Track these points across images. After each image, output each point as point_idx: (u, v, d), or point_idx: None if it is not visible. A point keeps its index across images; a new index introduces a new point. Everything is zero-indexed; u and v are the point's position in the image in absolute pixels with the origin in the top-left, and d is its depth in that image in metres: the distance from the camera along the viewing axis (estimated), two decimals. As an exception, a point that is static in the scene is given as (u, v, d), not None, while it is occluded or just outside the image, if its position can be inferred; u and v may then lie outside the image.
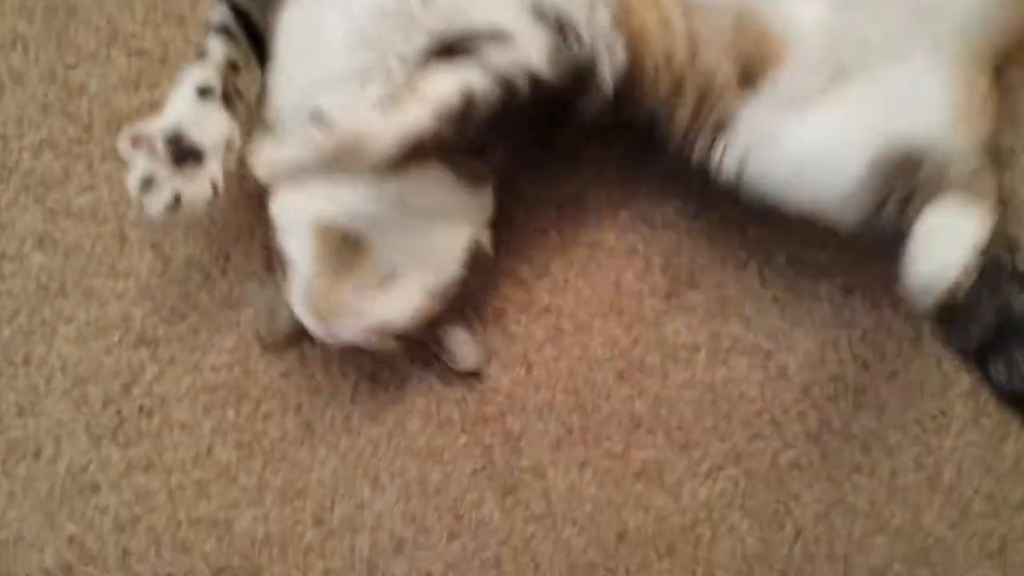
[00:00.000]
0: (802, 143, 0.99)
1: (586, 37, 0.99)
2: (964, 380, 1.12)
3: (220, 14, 1.05)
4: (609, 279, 1.16)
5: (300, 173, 0.94)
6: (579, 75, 0.99)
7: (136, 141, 0.96)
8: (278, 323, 1.11)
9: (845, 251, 1.15)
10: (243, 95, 1.02)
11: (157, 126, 0.97)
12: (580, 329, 1.15)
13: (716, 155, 1.02)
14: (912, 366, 1.13)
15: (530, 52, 0.96)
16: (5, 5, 1.22)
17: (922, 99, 0.97)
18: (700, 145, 1.03)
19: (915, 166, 0.95)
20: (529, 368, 1.14)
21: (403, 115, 0.92)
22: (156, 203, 0.95)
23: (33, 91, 1.20)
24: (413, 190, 0.99)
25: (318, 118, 0.93)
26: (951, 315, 0.88)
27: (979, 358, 0.89)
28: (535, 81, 0.96)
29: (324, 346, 1.11)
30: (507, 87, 0.95)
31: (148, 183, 0.95)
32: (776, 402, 1.13)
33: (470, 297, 1.09)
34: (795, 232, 1.14)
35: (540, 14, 0.98)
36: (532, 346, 1.14)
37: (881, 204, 0.95)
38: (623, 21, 1.01)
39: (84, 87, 1.20)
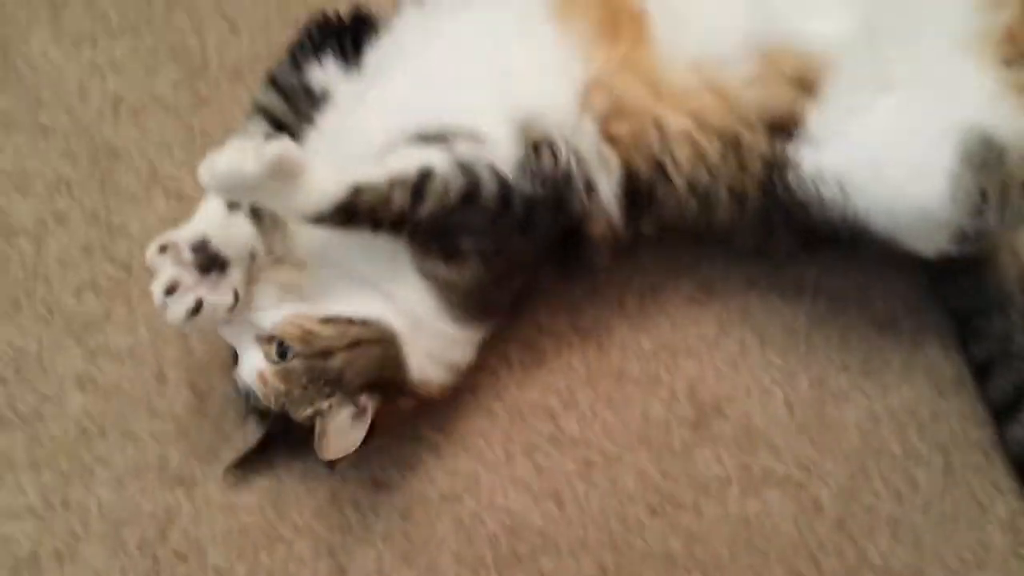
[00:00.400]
0: (880, 146, 1.02)
1: (563, 155, 1.04)
2: (1000, 508, 1.11)
3: (254, 124, 1.12)
4: (636, 409, 1.17)
5: (237, 183, 0.93)
6: (554, 187, 1.04)
7: (163, 248, 1.00)
8: None
9: (867, 374, 1.16)
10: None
11: (184, 235, 1.01)
12: (610, 462, 1.15)
13: (800, 186, 1.04)
14: (946, 496, 1.12)
15: (497, 154, 1.02)
16: (51, 149, 1.28)
17: (966, 82, 1.01)
18: (779, 187, 1.06)
19: (998, 154, 0.98)
20: (561, 503, 1.14)
21: (356, 169, 0.97)
22: (178, 308, 0.98)
23: (77, 233, 1.25)
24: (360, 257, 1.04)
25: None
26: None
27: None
28: (502, 183, 1.01)
29: (358, 487, 1.13)
30: (470, 177, 1.00)
31: (172, 289, 0.98)
32: (812, 536, 1.12)
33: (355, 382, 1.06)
34: (819, 353, 1.16)
35: (518, 128, 1.03)
36: (563, 480, 1.15)
37: (980, 203, 0.97)
38: (614, 135, 1.06)
39: (125, 228, 1.25)
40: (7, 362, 1.21)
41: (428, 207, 0.98)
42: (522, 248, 1.06)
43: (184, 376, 1.20)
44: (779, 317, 1.19)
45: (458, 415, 1.17)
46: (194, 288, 0.99)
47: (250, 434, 1.11)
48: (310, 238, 1.07)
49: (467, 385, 1.17)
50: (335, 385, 1.02)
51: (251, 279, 1.04)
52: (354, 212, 0.96)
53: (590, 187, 1.06)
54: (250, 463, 1.14)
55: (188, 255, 1.00)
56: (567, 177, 1.04)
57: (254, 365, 1.03)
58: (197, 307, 0.98)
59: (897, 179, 1.00)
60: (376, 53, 1.12)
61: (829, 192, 1.02)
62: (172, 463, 1.17)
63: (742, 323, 1.19)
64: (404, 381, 1.07)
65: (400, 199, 0.97)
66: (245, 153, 0.91)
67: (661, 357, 1.18)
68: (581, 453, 1.16)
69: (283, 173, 0.92)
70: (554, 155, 1.03)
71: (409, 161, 0.99)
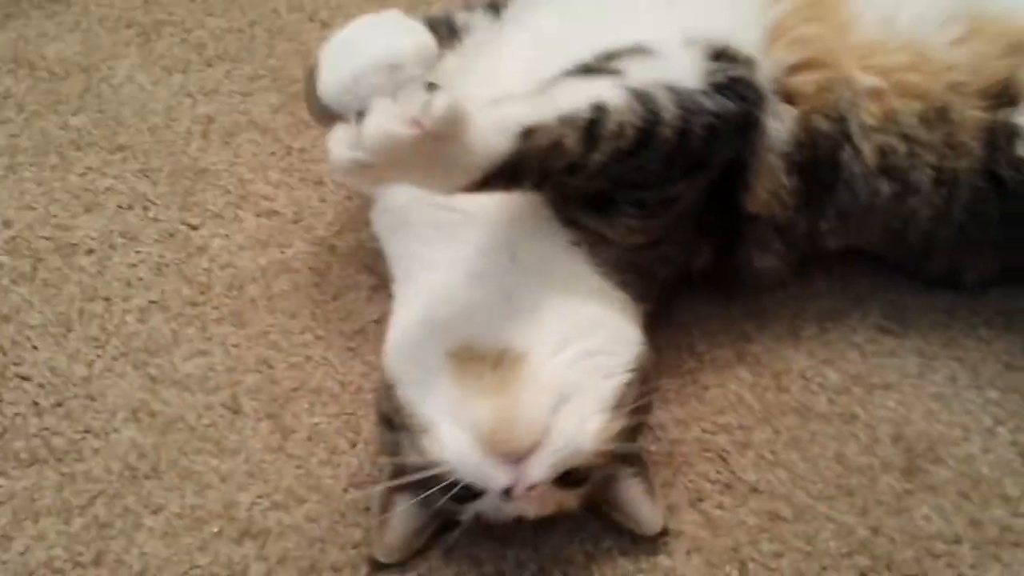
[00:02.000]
0: None
1: (744, 55, 0.88)
2: None
3: None
4: (828, 452, 0.94)
5: (389, 152, 0.68)
6: (742, 98, 0.86)
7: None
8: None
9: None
10: None
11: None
12: (802, 515, 0.90)
13: None
14: None
15: (675, 71, 0.85)
16: (127, 169, 1.13)
17: None
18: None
19: None
20: (744, 568, 0.88)
21: (521, 106, 0.76)
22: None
23: (148, 252, 1.07)
24: (529, 247, 0.85)
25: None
26: None
27: None
28: (683, 107, 0.82)
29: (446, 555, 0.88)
30: (648, 109, 0.81)
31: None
32: (1083, 607, 0.85)
33: (638, 440, 0.88)
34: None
35: (695, 43, 0.87)
36: (743, 538, 0.89)
37: None
38: (794, 88, 0.91)
39: (206, 248, 1.07)
40: (48, 390, 0.98)
41: (602, 153, 0.80)
42: (685, 197, 0.88)
43: (263, 408, 0.97)
44: (991, 349, 0.99)
45: (606, 457, 0.94)
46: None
47: (416, 523, 0.87)
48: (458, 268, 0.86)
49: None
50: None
51: None
52: (522, 165, 0.75)
53: (760, 128, 0.89)
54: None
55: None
56: (751, 86, 0.87)
57: (547, 506, 0.81)
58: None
59: None
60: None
61: None
62: (240, 510, 0.91)
63: (948, 355, 0.99)
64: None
65: (572, 143, 0.77)
66: (395, 112, 0.67)
67: (854, 391, 0.97)
68: (764, 504, 0.91)
69: (448, 133, 0.69)
70: (737, 60, 0.87)
71: (578, 96, 0.80)
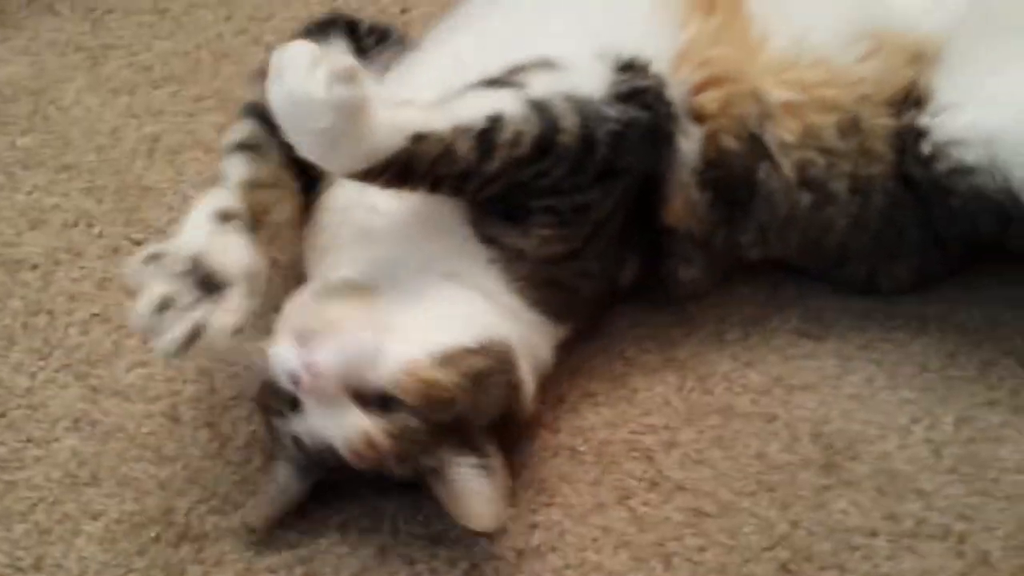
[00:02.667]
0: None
1: (653, 73, 0.93)
2: None
3: (240, 131, 0.95)
4: (750, 450, 0.97)
5: (299, 111, 0.76)
6: (643, 106, 0.91)
7: (152, 258, 0.79)
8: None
9: (1018, 411, 0.98)
10: (271, 214, 0.90)
11: (174, 246, 0.81)
12: (726, 511, 0.93)
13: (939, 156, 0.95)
14: None
15: (577, 81, 0.89)
16: (73, 187, 1.15)
17: None
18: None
19: None
20: (668, 561, 0.90)
21: (418, 112, 0.81)
22: (172, 333, 0.77)
23: (91, 267, 1.09)
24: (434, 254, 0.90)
25: None
26: None
27: None
28: (584, 116, 0.87)
29: (412, 543, 0.91)
30: (545, 119, 0.85)
31: (163, 307, 0.77)
32: (989, 598, 0.89)
33: (485, 426, 0.89)
34: (960, 389, 0.99)
35: (601, 54, 0.92)
36: (669, 533, 0.92)
37: None
38: (702, 108, 0.95)
39: (148, 262, 1.10)
40: (-9, 402, 1.01)
41: (497, 161, 0.84)
42: (599, 205, 0.91)
43: (203, 416, 0.99)
44: (906, 351, 1.03)
45: (536, 457, 0.97)
46: (191, 308, 0.78)
47: (284, 486, 0.91)
48: (364, 249, 0.92)
49: (545, 422, 0.98)
50: (455, 435, 0.85)
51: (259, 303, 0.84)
52: (410, 167, 0.80)
53: (670, 143, 0.93)
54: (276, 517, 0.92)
55: (181, 268, 0.79)
56: (658, 97, 0.92)
57: (355, 425, 0.82)
58: (195, 333, 0.77)
59: None
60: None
61: (975, 156, 0.91)
62: (179, 515, 0.93)
63: (865, 357, 1.02)
64: (521, 408, 0.90)
65: (465, 151, 0.82)
66: (317, 72, 0.74)
67: (775, 392, 1.00)
68: (689, 501, 0.94)
69: (349, 108, 0.75)
70: (644, 72, 0.92)
71: (476, 107, 0.84)
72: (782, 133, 0.96)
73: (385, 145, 0.79)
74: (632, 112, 0.90)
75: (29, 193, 1.15)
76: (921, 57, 0.97)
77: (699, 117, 0.95)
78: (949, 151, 0.93)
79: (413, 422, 0.83)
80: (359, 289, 0.88)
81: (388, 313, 0.86)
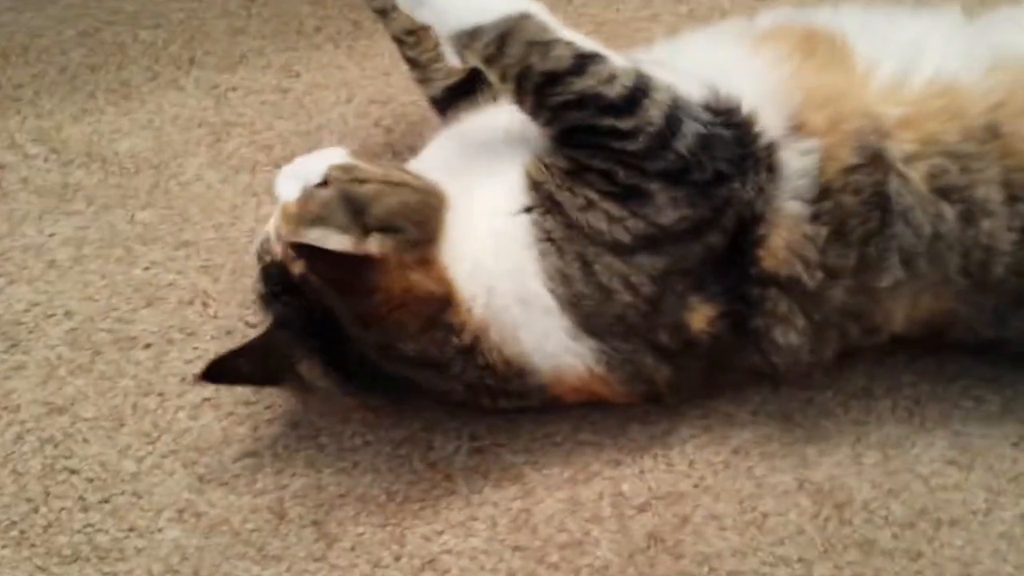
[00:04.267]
0: None
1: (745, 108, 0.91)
2: None
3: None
4: (895, 592, 0.89)
5: None
6: (732, 126, 0.89)
7: None
8: None
9: None
10: None
11: None
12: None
13: None
14: None
15: (684, 86, 0.91)
16: (190, 265, 1.14)
17: None
18: None
19: None
20: None
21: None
22: None
23: (205, 348, 1.07)
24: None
25: None
26: None
27: None
28: (673, 103, 0.88)
29: None
30: (640, 83, 0.88)
31: None
32: None
33: None
34: None
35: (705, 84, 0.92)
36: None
37: None
38: (809, 124, 0.91)
39: (261, 347, 1.08)
40: (96, 485, 0.98)
41: (586, 82, 0.87)
42: (660, 205, 0.87)
43: (309, 513, 0.95)
44: (1065, 485, 0.95)
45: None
46: None
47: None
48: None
49: (669, 546, 0.92)
50: (355, 213, 0.85)
51: None
52: (508, 40, 0.87)
53: (771, 170, 0.89)
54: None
55: None
56: (748, 129, 0.89)
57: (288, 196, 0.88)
58: None
59: None
60: None
61: None
62: (281, 620, 0.90)
63: (1017, 492, 0.94)
64: (428, 245, 0.89)
65: (561, 55, 0.87)
66: None
67: (919, 527, 0.92)
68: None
69: None
70: (737, 109, 0.90)
71: (587, 41, 0.90)
72: (901, 145, 0.90)
73: (496, 7, 0.87)
74: (719, 129, 0.88)
75: (146, 269, 1.14)
76: None
77: (809, 133, 0.90)
78: None
79: (328, 193, 0.86)
80: None
81: None
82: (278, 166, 1.20)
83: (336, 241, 0.83)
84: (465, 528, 0.95)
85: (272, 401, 1.03)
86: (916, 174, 0.89)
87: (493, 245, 0.90)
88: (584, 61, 0.87)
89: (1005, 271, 0.92)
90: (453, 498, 0.96)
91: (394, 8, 1.05)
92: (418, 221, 0.88)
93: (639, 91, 0.87)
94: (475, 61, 0.90)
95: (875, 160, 0.90)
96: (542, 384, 0.93)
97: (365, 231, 0.85)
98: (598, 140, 0.88)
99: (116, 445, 1.01)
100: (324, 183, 0.87)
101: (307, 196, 0.87)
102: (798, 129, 0.90)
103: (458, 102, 1.07)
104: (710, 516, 0.94)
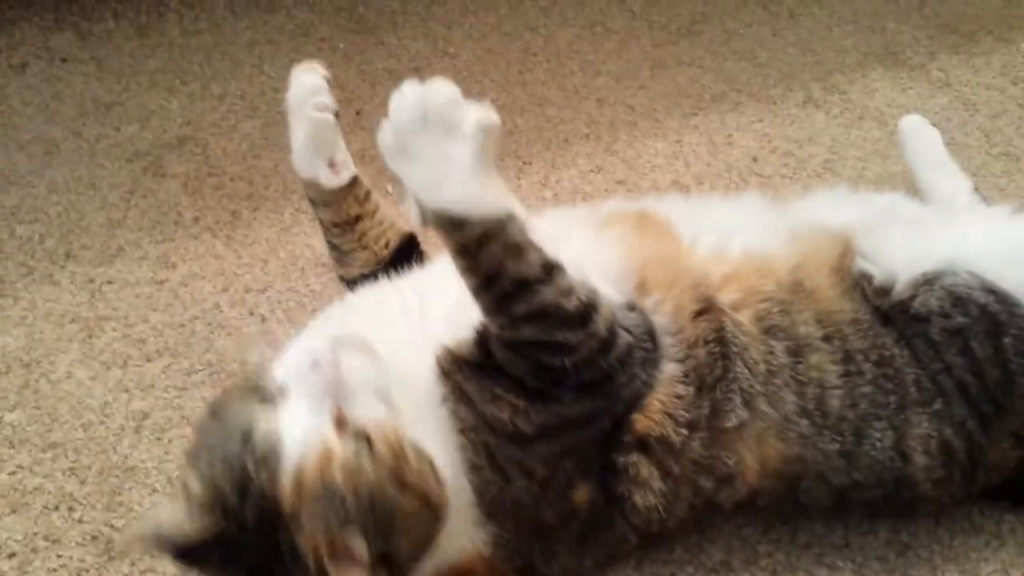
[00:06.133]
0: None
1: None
2: None
3: None
4: None
5: (442, 118, 0.86)
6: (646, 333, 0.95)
7: None
8: None
9: None
10: None
11: None
12: None
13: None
14: None
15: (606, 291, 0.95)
16: (57, 468, 1.13)
17: None
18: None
19: None
20: None
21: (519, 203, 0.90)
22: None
23: (68, 555, 1.05)
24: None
25: None
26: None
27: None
28: (615, 315, 0.93)
29: None
30: (591, 297, 0.91)
31: None
32: None
33: None
34: None
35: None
36: None
37: None
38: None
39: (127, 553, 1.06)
40: None
41: (548, 295, 0.88)
42: (567, 408, 0.91)
43: None
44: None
45: None
46: None
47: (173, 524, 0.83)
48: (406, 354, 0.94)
49: None
50: (372, 529, 0.82)
51: None
52: (488, 244, 0.86)
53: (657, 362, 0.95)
54: None
55: None
56: (649, 323, 0.96)
57: (324, 431, 0.83)
58: None
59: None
60: None
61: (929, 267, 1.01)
62: None
63: None
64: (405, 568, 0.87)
65: (536, 261, 0.88)
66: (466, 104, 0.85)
67: None
68: None
69: (488, 143, 0.86)
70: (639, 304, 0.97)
71: (553, 250, 0.90)
72: (729, 295, 1.00)
73: (487, 203, 0.86)
74: (641, 335, 0.94)
75: (12, 473, 1.13)
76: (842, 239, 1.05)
77: (655, 291, 0.98)
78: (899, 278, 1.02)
79: (368, 470, 0.82)
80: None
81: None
82: (150, 360, 1.25)
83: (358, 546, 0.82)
84: None
85: (138, 609, 1.02)
86: (745, 317, 0.99)
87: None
88: (550, 270, 0.88)
89: (840, 404, 0.99)
90: None
91: (326, 202, 1.13)
92: (417, 547, 0.88)
93: (591, 305, 0.90)
94: (445, 243, 0.90)
95: (710, 306, 0.99)
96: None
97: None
98: (538, 352, 0.90)
99: (-28, 666, 0.98)
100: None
101: (353, 469, 0.82)
102: (644, 289, 0.98)
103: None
104: None
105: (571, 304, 0.88)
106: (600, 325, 0.90)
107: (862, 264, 1.03)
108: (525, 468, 0.92)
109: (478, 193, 0.86)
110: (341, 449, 0.82)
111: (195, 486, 0.83)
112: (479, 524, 0.93)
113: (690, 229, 1.06)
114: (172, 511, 0.84)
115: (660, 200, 1.13)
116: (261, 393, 0.87)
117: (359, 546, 0.81)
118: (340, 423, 0.84)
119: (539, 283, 0.88)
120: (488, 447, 0.91)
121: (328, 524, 0.81)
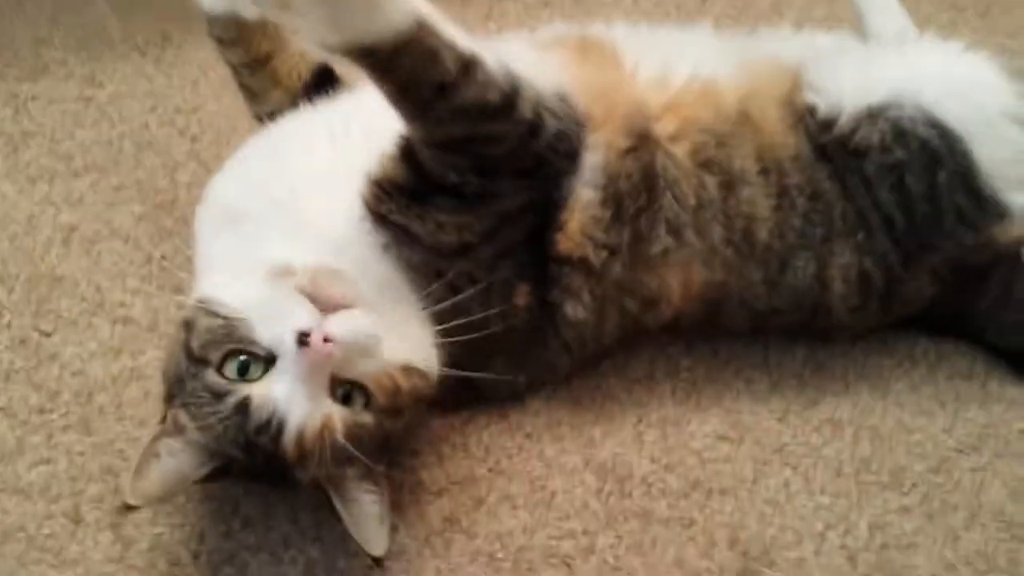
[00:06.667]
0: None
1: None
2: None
3: None
4: (668, 556, 0.96)
5: None
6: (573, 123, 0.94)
7: None
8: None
9: (930, 517, 1.00)
10: None
11: None
12: (643, 619, 0.92)
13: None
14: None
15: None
16: (-17, 277, 1.12)
17: None
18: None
19: None
20: (583, 671, 0.89)
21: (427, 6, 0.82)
22: None
23: (-2, 359, 1.06)
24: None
25: None
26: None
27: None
28: (538, 102, 0.90)
29: None
30: (512, 85, 0.87)
31: None
32: None
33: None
34: (873, 495, 1.01)
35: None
36: (584, 641, 0.91)
37: None
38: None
39: (57, 355, 1.06)
40: None
41: (471, 90, 0.84)
42: (505, 200, 0.91)
43: (106, 518, 0.96)
44: (820, 455, 1.04)
45: (452, 563, 0.95)
46: None
47: (175, 468, 0.86)
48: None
49: (464, 527, 0.97)
50: (380, 451, 0.87)
51: None
52: (401, 56, 0.80)
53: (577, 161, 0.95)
54: None
55: None
56: (583, 122, 0.95)
57: (322, 407, 0.83)
58: None
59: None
60: None
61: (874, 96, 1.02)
62: (76, 625, 0.89)
63: (781, 462, 1.03)
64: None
65: (450, 63, 0.82)
66: None
67: (693, 497, 1.00)
68: (606, 609, 0.93)
69: None
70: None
71: (466, 42, 0.84)
72: (666, 126, 1.00)
73: (392, 20, 0.78)
74: (570, 123, 0.93)
75: (-65, 282, 1.12)
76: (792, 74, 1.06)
77: (592, 126, 0.97)
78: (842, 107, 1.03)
79: (368, 420, 0.85)
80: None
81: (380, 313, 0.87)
82: (77, 176, 1.23)
83: (383, 521, 0.88)
84: (264, 525, 0.97)
85: (68, 410, 1.02)
86: (680, 150, 0.99)
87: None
88: (468, 66, 0.84)
89: (768, 235, 1.01)
90: (248, 497, 0.98)
91: (234, 40, 1.06)
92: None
93: (514, 92, 0.88)
94: (360, 69, 0.84)
95: (644, 140, 0.98)
96: None
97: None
98: (469, 148, 0.89)
99: (-99, 460, 0.99)
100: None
101: (355, 427, 0.84)
102: (585, 123, 0.97)
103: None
104: (503, 497, 1.00)
105: (493, 95, 0.86)
106: (525, 110, 0.88)
107: (809, 96, 1.04)
108: (471, 276, 0.93)
109: (379, 14, 0.79)
110: (339, 414, 0.84)
111: (194, 434, 0.85)
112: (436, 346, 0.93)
113: (634, 54, 1.04)
114: (177, 460, 0.85)
115: (607, 26, 1.10)
116: (246, 350, 0.84)
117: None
118: (334, 385, 0.84)
119: (458, 82, 0.84)
120: (439, 271, 0.91)
121: (332, 471, 0.85)
